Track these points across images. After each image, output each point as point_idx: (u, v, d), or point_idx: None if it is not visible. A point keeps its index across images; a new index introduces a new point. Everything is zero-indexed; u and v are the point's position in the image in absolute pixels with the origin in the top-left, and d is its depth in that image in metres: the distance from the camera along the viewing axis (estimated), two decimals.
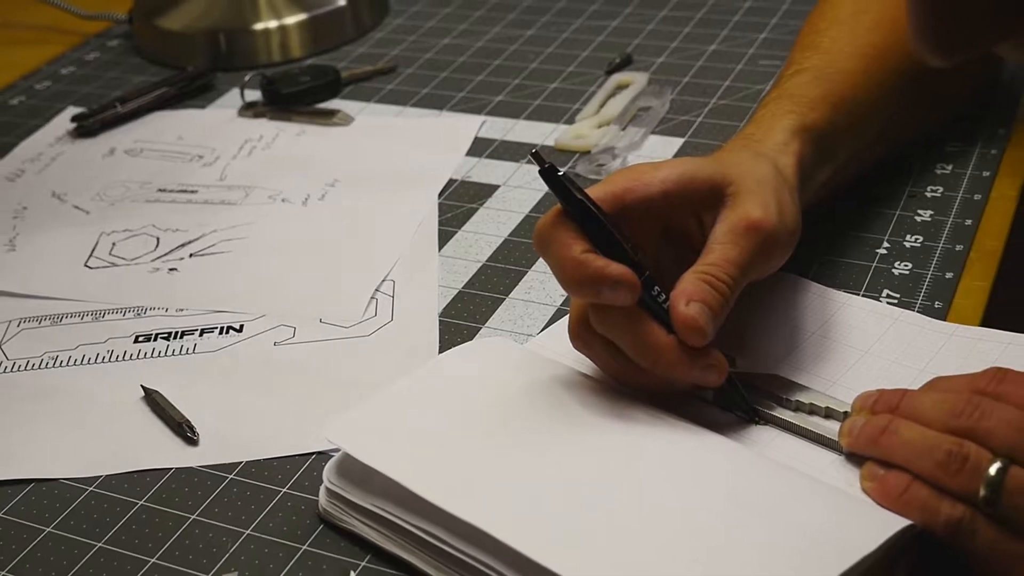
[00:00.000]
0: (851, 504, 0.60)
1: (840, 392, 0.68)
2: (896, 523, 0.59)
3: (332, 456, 0.65)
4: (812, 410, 0.67)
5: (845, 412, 0.65)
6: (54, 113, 1.08)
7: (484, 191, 0.91)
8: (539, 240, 0.65)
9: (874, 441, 0.63)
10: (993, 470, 0.59)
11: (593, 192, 0.66)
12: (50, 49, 1.20)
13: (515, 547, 0.56)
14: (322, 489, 0.65)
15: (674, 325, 0.63)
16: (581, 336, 0.67)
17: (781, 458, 0.64)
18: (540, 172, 0.64)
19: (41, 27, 1.24)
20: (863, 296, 0.76)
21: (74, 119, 1.04)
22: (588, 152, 0.94)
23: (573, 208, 0.64)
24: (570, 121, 0.99)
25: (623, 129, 0.96)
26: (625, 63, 1.06)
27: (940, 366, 0.68)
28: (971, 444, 0.60)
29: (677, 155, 0.93)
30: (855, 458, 0.63)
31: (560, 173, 0.64)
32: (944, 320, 0.74)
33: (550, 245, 0.65)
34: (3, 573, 0.63)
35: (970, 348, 0.70)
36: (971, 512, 0.59)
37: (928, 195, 0.85)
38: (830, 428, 0.65)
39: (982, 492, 0.59)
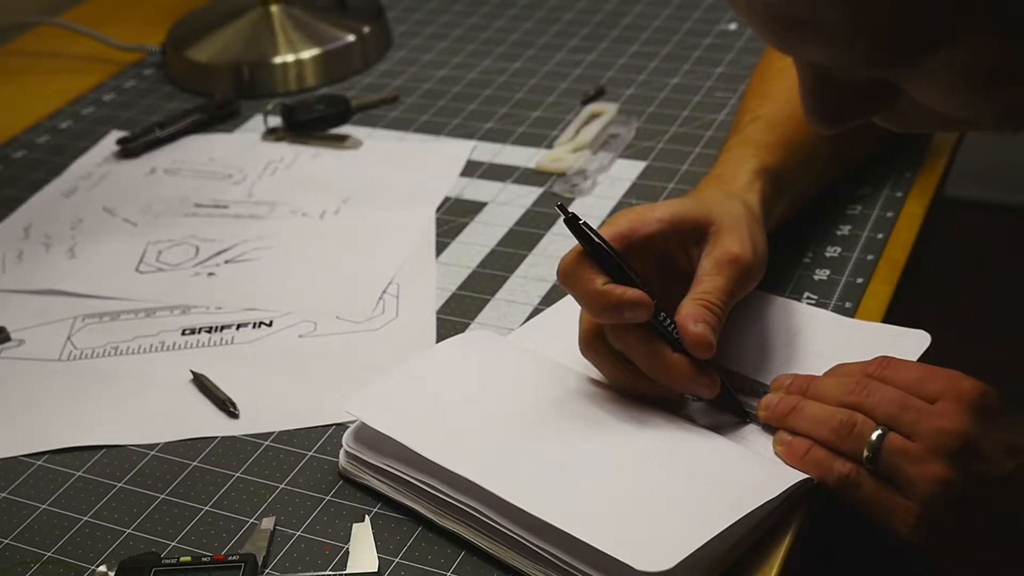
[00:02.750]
0: (764, 462, 0.76)
1: (763, 375, 0.83)
2: (797, 476, 0.75)
3: (349, 426, 0.81)
4: (739, 389, 0.82)
5: (764, 391, 0.81)
6: (99, 136, 1.23)
7: (475, 207, 1.06)
8: (565, 277, 0.78)
9: (785, 415, 0.78)
10: (874, 436, 0.74)
11: (604, 232, 0.79)
12: (92, 77, 1.35)
13: (493, 491, 0.71)
14: (342, 452, 0.80)
15: (685, 342, 0.77)
16: (593, 348, 0.80)
17: (718, 430, 0.80)
18: (564, 221, 0.77)
19: (84, 57, 1.38)
20: (788, 297, 0.91)
21: (119, 142, 1.19)
22: (564, 174, 1.09)
23: (592, 249, 0.77)
24: (549, 146, 1.14)
25: (594, 153, 1.11)
26: (598, 94, 1.21)
27: (844, 354, 0.83)
28: (859, 415, 0.75)
29: (640, 176, 1.08)
30: (770, 428, 0.79)
31: (581, 222, 0.77)
32: (852, 317, 0.89)
33: (576, 281, 0.77)
34: (87, 518, 0.78)
35: (868, 340, 0.85)
36: (857, 469, 0.75)
37: (848, 213, 1.00)
38: (753, 404, 0.81)
39: (866, 453, 0.74)
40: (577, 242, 0.77)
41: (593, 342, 0.80)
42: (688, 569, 0.67)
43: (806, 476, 0.75)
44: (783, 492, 0.73)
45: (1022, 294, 2.25)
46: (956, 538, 0.74)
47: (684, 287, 0.80)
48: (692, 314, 0.78)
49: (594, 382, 0.82)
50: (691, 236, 0.82)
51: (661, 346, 0.77)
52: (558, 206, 0.78)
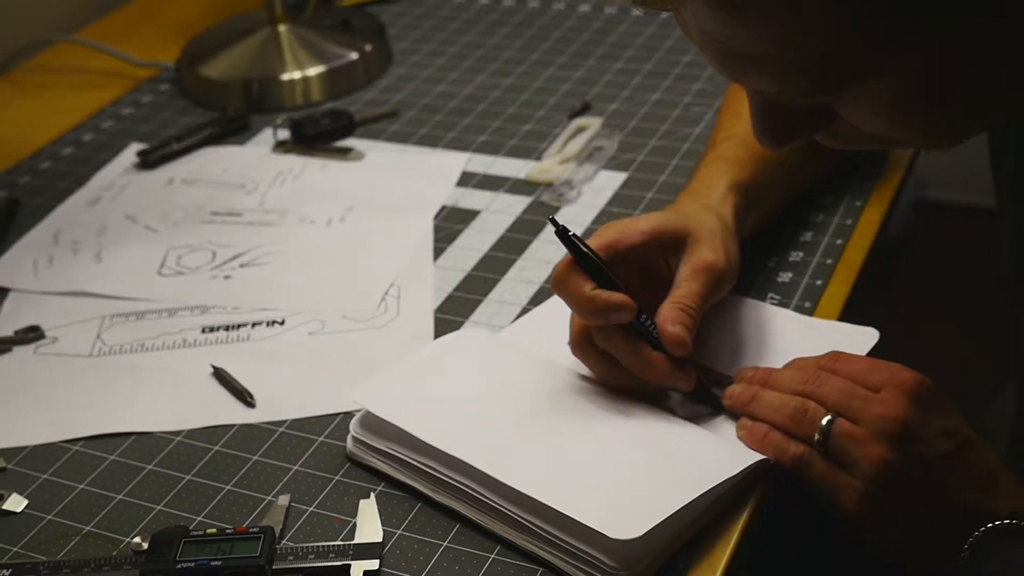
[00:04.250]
0: (726, 443, 0.85)
1: (729, 368, 0.92)
2: (755, 456, 0.84)
3: (355, 414, 0.89)
4: (707, 380, 0.91)
5: (729, 382, 0.90)
6: (120, 148, 1.32)
7: (469, 215, 1.15)
8: (557, 283, 0.87)
9: (746, 403, 0.87)
10: (824, 421, 0.83)
11: (592, 242, 0.88)
12: (111, 92, 1.43)
13: (485, 470, 0.80)
14: (349, 437, 0.89)
15: (664, 341, 0.86)
16: (582, 348, 0.89)
17: (687, 416, 0.89)
18: (556, 233, 0.86)
19: (103, 72, 1.47)
20: (753, 298, 1.00)
21: (139, 154, 1.28)
22: (552, 184, 1.17)
23: (581, 259, 0.86)
24: (538, 158, 1.23)
25: (580, 165, 1.20)
26: (584, 109, 1.30)
27: (802, 349, 0.92)
28: (811, 403, 0.84)
29: (622, 186, 1.16)
30: (733, 415, 0.88)
31: (571, 233, 0.86)
32: (811, 316, 0.98)
33: (567, 287, 0.86)
34: (121, 496, 0.87)
35: (824, 336, 0.94)
36: (809, 450, 0.84)
37: (811, 220, 1.09)
38: (719, 394, 0.90)
39: (817, 436, 0.83)
40: (568, 252, 0.86)
41: (582, 342, 0.89)
42: (656, 538, 0.76)
43: (763, 457, 0.84)
44: (742, 470, 0.82)
45: (988, 292, 2.34)
46: (895, 512, 0.82)
47: (664, 292, 0.89)
48: (670, 316, 0.87)
49: (574, 374, 0.91)
50: (671, 246, 0.91)
51: (642, 345, 0.86)
52: (551, 219, 0.87)
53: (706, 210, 0.95)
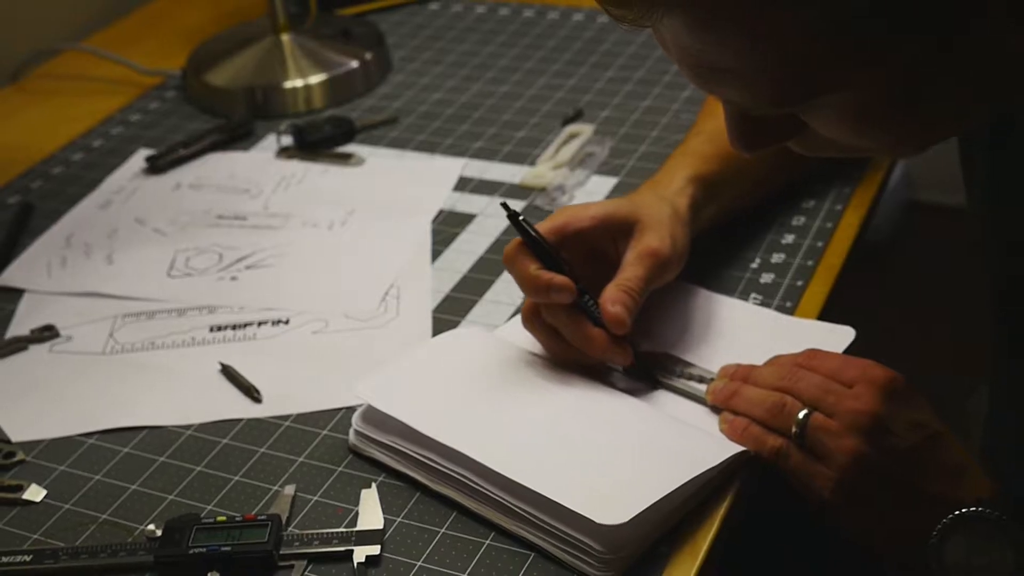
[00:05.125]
0: (709, 435, 0.90)
1: (713, 365, 0.97)
2: (735, 448, 0.88)
3: (357, 408, 0.94)
4: (690, 377, 0.96)
5: (712, 378, 0.95)
6: (128, 154, 1.36)
7: (465, 219, 1.20)
8: (506, 260, 0.95)
9: (728, 399, 0.92)
10: (801, 415, 0.88)
11: (542, 226, 0.95)
12: (119, 99, 1.48)
13: (480, 460, 0.85)
14: (351, 430, 0.93)
15: (604, 320, 0.92)
16: (531, 322, 0.96)
17: (673, 411, 0.94)
18: (507, 216, 0.94)
19: (111, 80, 1.51)
20: (737, 298, 1.05)
21: (147, 160, 1.32)
22: (545, 189, 1.22)
23: (529, 241, 0.93)
24: (532, 163, 1.27)
25: (572, 170, 1.25)
26: (577, 116, 1.35)
27: (782, 347, 0.96)
28: (788, 398, 0.89)
29: (612, 191, 1.21)
30: (716, 409, 0.93)
31: (521, 218, 0.93)
32: (792, 315, 1.03)
33: (514, 265, 0.94)
34: (135, 487, 0.92)
35: (802, 335, 0.99)
36: (786, 443, 0.88)
37: (793, 223, 1.14)
38: (703, 389, 0.95)
39: (793, 429, 0.88)
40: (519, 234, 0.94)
41: (531, 317, 0.96)
42: (641, 523, 0.81)
43: (743, 449, 0.89)
44: (723, 461, 0.87)
45: (979, 293, 2.38)
46: (867, 501, 0.87)
47: (612, 274, 0.96)
48: (611, 297, 0.93)
49: (564, 371, 0.96)
50: (619, 231, 0.97)
51: (584, 322, 0.93)
52: (502, 204, 0.95)
53: (660, 199, 1.01)
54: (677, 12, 0.67)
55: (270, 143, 1.36)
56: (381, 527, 0.86)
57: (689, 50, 0.70)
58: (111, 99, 1.48)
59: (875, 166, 1.21)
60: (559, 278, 0.92)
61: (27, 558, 0.86)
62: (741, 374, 0.94)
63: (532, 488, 0.83)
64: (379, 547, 0.84)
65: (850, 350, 0.96)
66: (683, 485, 0.83)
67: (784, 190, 1.16)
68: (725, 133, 1.08)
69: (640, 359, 0.96)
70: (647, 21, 0.69)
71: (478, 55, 1.51)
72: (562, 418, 0.91)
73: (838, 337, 0.98)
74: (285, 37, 1.47)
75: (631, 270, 0.95)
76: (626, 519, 0.80)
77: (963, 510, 0.85)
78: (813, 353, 0.92)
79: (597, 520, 0.80)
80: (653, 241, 0.96)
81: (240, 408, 0.99)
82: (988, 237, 0.99)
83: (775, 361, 0.94)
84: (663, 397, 0.95)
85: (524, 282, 0.94)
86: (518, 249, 0.94)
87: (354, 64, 1.45)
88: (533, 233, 0.94)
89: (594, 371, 0.96)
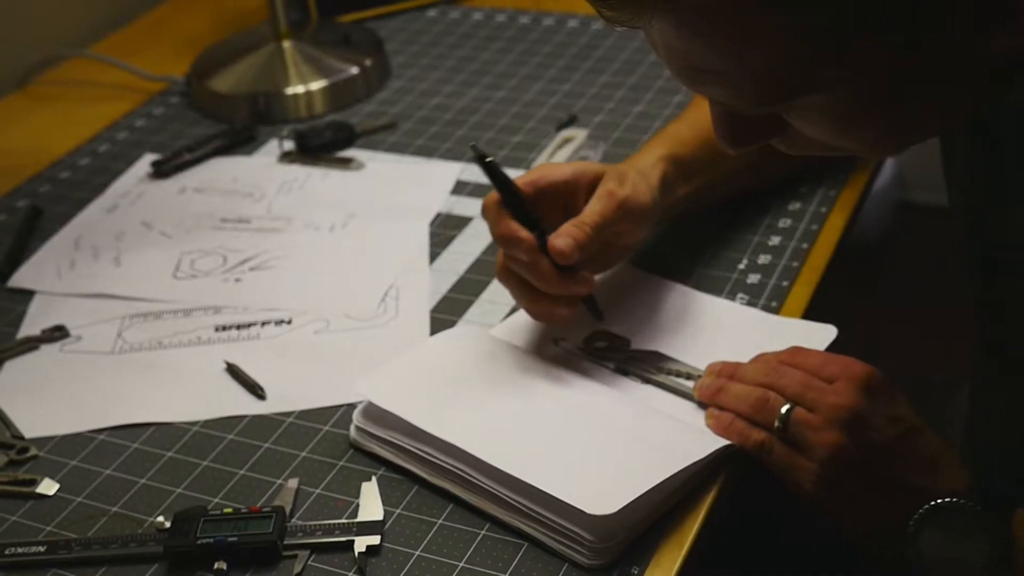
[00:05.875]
0: (694, 430, 0.94)
1: (700, 363, 1.01)
2: (720, 442, 0.92)
3: (358, 404, 0.98)
4: (678, 374, 1.00)
5: (699, 375, 0.99)
6: (134, 158, 1.40)
7: (462, 222, 1.23)
8: (484, 210, 1.01)
9: (714, 394, 0.96)
10: (784, 410, 0.91)
11: (520, 179, 1.00)
12: (124, 105, 1.51)
13: (475, 454, 0.89)
14: (352, 426, 0.97)
15: (550, 250, 0.97)
16: (503, 274, 1.02)
17: (661, 407, 0.97)
18: (481, 163, 0.99)
19: (116, 86, 1.55)
20: (724, 298, 1.08)
21: (152, 164, 1.36)
22: None
23: (502, 189, 0.99)
24: (528, 167, 1.31)
25: None
26: (571, 121, 1.39)
27: (767, 345, 1.00)
28: (772, 394, 0.93)
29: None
30: (703, 405, 0.97)
31: (489, 159, 0.99)
32: (777, 315, 1.07)
33: (487, 213, 1.00)
34: (144, 481, 0.96)
35: (787, 333, 1.02)
36: (769, 436, 0.92)
37: (780, 225, 1.17)
38: (690, 386, 0.98)
39: (776, 423, 0.91)
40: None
41: (504, 270, 1.02)
42: (630, 514, 0.85)
43: (728, 443, 0.92)
44: (709, 454, 0.90)
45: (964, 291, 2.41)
46: (847, 492, 0.90)
47: None
48: (561, 231, 0.98)
49: (557, 368, 0.99)
50: (589, 186, 1.03)
51: (541, 260, 0.98)
52: (472, 146, 1.01)
53: (630, 167, 1.06)
54: (666, 15, 0.70)
55: (272, 148, 1.39)
56: (381, 518, 0.89)
57: (677, 51, 0.72)
58: (116, 104, 1.52)
59: (861, 168, 1.25)
60: (523, 232, 0.98)
61: (41, 549, 0.89)
62: (727, 371, 0.97)
63: (525, 480, 0.86)
64: (379, 537, 0.88)
65: (840, 348, 0.99)
66: (670, 477, 0.87)
67: (764, 188, 1.19)
68: (705, 121, 1.10)
69: (592, 299, 1.03)
70: (638, 23, 0.72)
71: (475, 61, 1.55)
72: (554, 414, 0.94)
73: (821, 335, 1.01)
74: (286, 44, 1.50)
75: (587, 208, 1.01)
76: (615, 509, 0.83)
77: (938, 501, 0.88)
78: (796, 351, 0.96)
79: (588, 511, 0.83)
80: (611, 184, 1.02)
81: (245, 405, 1.02)
82: (966, 234, 1.02)
83: (760, 359, 0.97)
84: (652, 393, 0.99)
85: (494, 229, 1.00)
86: (494, 203, 1.00)
87: (354, 70, 1.48)
88: (502, 179, 0.99)
89: (585, 369, 1.00)
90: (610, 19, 0.72)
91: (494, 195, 1.00)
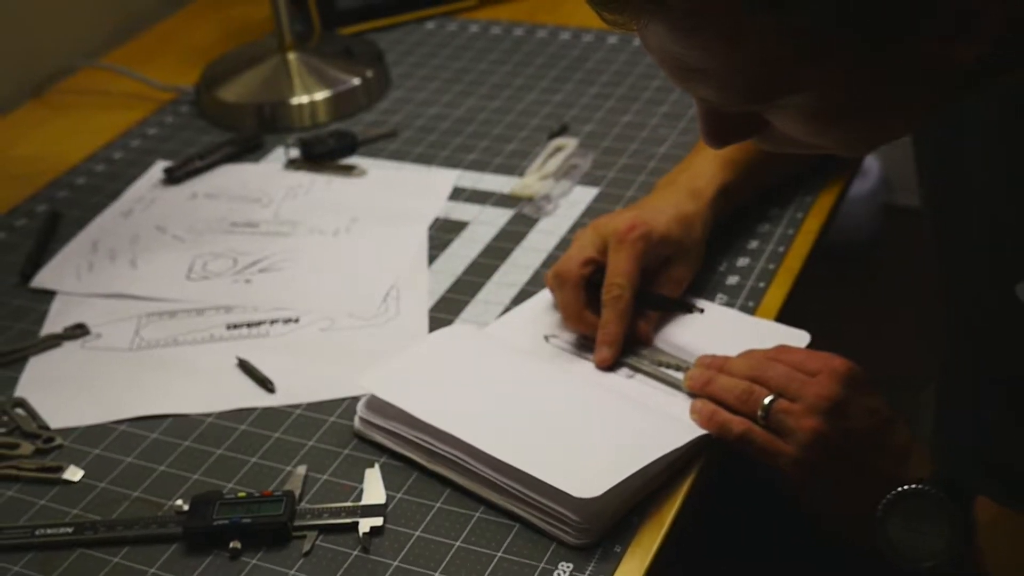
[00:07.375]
0: (675, 419, 1.01)
1: (691, 356, 1.07)
2: (699, 431, 0.99)
3: (361, 397, 1.04)
4: (668, 365, 1.06)
5: (688, 367, 1.05)
6: (147, 165, 1.46)
7: (459, 226, 1.30)
8: (555, 282, 1.11)
9: (704, 385, 1.02)
10: (767, 401, 0.98)
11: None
12: (136, 113, 1.57)
13: (471, 442, 0.95)
14: (356, 417, 1.03)
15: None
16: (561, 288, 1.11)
17: (651, 396, 1.04)
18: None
19: (128, 95, 1.61)
20: (704, 298, 1.15)
21: (165, 171, 1.43)
22: (532, 198, 1.32)
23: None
24: (521, 174, 1.37)
25: (558, 181, 1.35)
26: (562, 130, 1.45)
27: (744, 343, 1.07)
28: (756, 386, 0.99)
29: (594, 200, 1.31)
30: (692, 395, 1.03)
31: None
32: (753, 315, 1.13)
33: (563, 291, 1.10)
34: (163, 467, 1.02)
35: (766, 333, 1.09)
36: (753, 425, 0.98)
37: (758, 230, 1.24)
38: (680, 377, 1.05)
39: (759, 413, 0.98)
40: (573, 252, 1.10)
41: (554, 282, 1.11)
42: (614, 497, 0.91)
43: (705, 432, 0.99)
44: (687, 442, 0.97)
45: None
46: (823, 476, 0.97)
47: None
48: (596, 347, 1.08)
49: (547, 362, 1.07)
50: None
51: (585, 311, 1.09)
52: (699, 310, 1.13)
53: (684, 195, 1.16)
54: (661, 18, 0.74)
55: (278, 155, 1.46)
56: (383, 502, 0.96)
57: (670, 52, 0.76)
58: (129, 113, 1.58)
59: (836, 175, 1.31)
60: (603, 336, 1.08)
61: (69, 530, 0.96)
62: (716, 364, 1.03)
63: (517, 466, 0.93)
64: (382, 519, 0.95)
65: (824, 347, 1.04)
66: (651, 463, 0.94)
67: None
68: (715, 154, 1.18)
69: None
70: (635, 24, 0.76)
71: (472, 72, 1.61)
72: (545, 405, 1.01)
73: (795, 340, 1.07)
74: (291, 56, 1.57)
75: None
76: (600, 492, 0.90)
77: (903, 488, 0.94)
78: (782, 348, 1.02)
79: (574, 494, 0.90)
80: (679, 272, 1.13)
81: (256, 398, 1.09)
82: (934, 230, 1.06)
83: (748, 354, 1.03)
84: (643, 383, 1.06)
85: (568, 314, 1.10)
86: (575, 280, 1.09)
87: (356, 81, 1.55)
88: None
89: (574, 363, 1.08)
90: (610, 21, 0.76)
91: (576, 267, 1.09)
